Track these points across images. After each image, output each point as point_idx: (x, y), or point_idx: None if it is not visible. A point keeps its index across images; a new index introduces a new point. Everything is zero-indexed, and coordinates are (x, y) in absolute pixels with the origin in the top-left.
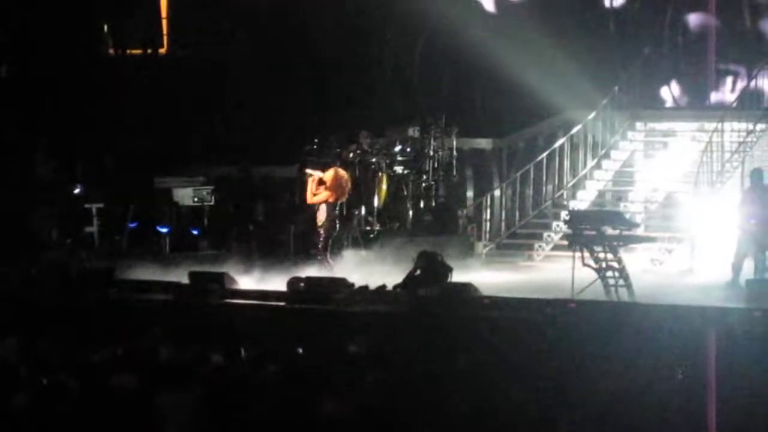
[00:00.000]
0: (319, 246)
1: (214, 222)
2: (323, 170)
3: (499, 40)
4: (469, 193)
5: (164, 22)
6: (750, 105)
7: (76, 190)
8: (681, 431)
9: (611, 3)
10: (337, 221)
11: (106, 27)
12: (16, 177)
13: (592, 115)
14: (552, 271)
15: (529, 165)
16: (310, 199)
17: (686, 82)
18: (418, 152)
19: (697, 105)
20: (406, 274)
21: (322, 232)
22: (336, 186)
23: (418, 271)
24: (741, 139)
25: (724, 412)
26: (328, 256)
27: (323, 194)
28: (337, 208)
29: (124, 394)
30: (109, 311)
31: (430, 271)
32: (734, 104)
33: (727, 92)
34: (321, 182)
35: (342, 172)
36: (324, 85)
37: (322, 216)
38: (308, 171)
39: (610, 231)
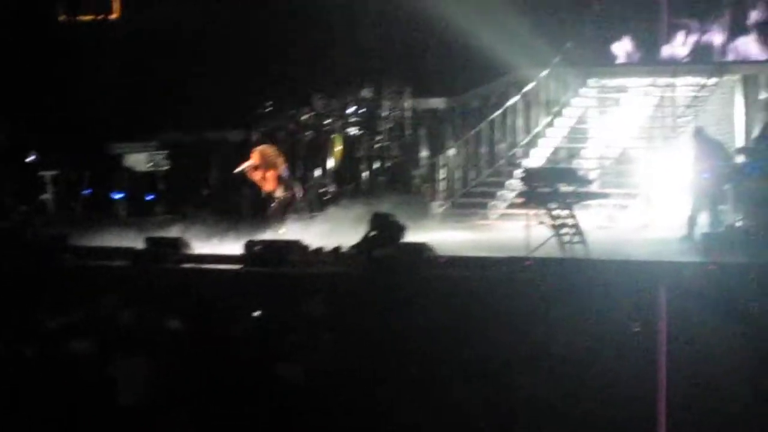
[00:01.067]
0: (272, 212)
1: (169, 187)
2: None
3: None
4: (424, 153)
5: None
6: (702, 60)
7: (30, 158)
8: (633, 385)
9: None
10: (295, 190)
11: None
12: None
13: (544, 73)
14: (507, 229)
15: (483, 123)
16: (266, 187)
17: (638, 37)
18: (372, 113)
19: (649, 60)
20: (361, 236)
21: (276, 203)
22: (264, 163)
23: (373, 233)
24: (694, 94)
25: (676, 365)
26: (283, 221)
27: (269, 176)
28: (286, 175)
29: (81, 361)
30: (65, 278)
31: (384, 231)
32: (686, 59)
33: (678, 47)
34: (256, 167)
35: (261, 147)
36: (276, 48)
37: (271, 187)
38: (238, 170)
39: (564, 188)
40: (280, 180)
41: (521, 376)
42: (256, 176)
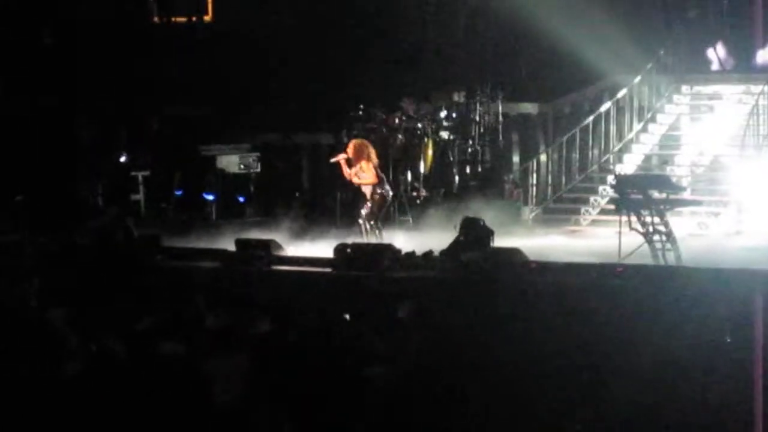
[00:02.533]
0: (366, 215)
1: (260, 189)
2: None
3: (544, 3)
4: (515, 158)
5: None
6: None
7: (122, 158)
8: (727, 396)
9: None
10: (386, 189)
11: None
12: (61, 144)
13: (637, 79)
14: (599, 235)
15: (575, 129)
16: (361, 180)
17: (732, 44)
18: (464, 117)
19: (743, 67)
20: (452, 240)
21: (369, 204)
22: (358, 155)
23: (462, 237)
24: None
25: None
26: (378, 225)
27: (365, 167)
28: (380, 174)
29: (172, 361)
30: (156, 278)
31: (473, 235)
32: None
33: None
34: (348, 161)
35: (356, 141)
36: (369, 51)
37: (367, 188)
38: (333, 160)
39: (656, 195)
40: (376, 174)
41: (612, 383)
42: (350, 171)
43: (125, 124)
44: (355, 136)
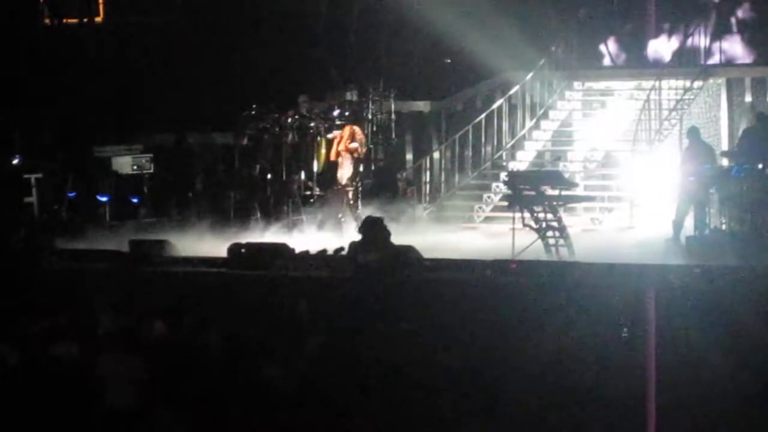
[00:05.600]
0: (350, 203)
1: (154, 190)
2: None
3: (435, 2)
4: (409, 156)
5: None
6: (687, 62)
7: (15, 161)
8: (621, 390)
9: None
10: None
11: None
12: None
13: (529, 76)
14: (493, 232)
15: (468, 126)
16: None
17: (623, 40)
18: (357, 116)
19: (634, 63)
20: (350, 240)
21: (350, 189)
22: (352, 138)
23: (360, 237)
24: (678, 97)
25: (663, 369)
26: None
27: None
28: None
29: (65, 363)
30: (50, 281)
31: (372, 235)
32: (671, 62)
33: (664, 50)
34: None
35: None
36: (261, 51)
37: (346, 173)
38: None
39: (549, 191)
40: (354, 162)
41: (506, 381)
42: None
43: (17, 127)
44: (249, 136)
